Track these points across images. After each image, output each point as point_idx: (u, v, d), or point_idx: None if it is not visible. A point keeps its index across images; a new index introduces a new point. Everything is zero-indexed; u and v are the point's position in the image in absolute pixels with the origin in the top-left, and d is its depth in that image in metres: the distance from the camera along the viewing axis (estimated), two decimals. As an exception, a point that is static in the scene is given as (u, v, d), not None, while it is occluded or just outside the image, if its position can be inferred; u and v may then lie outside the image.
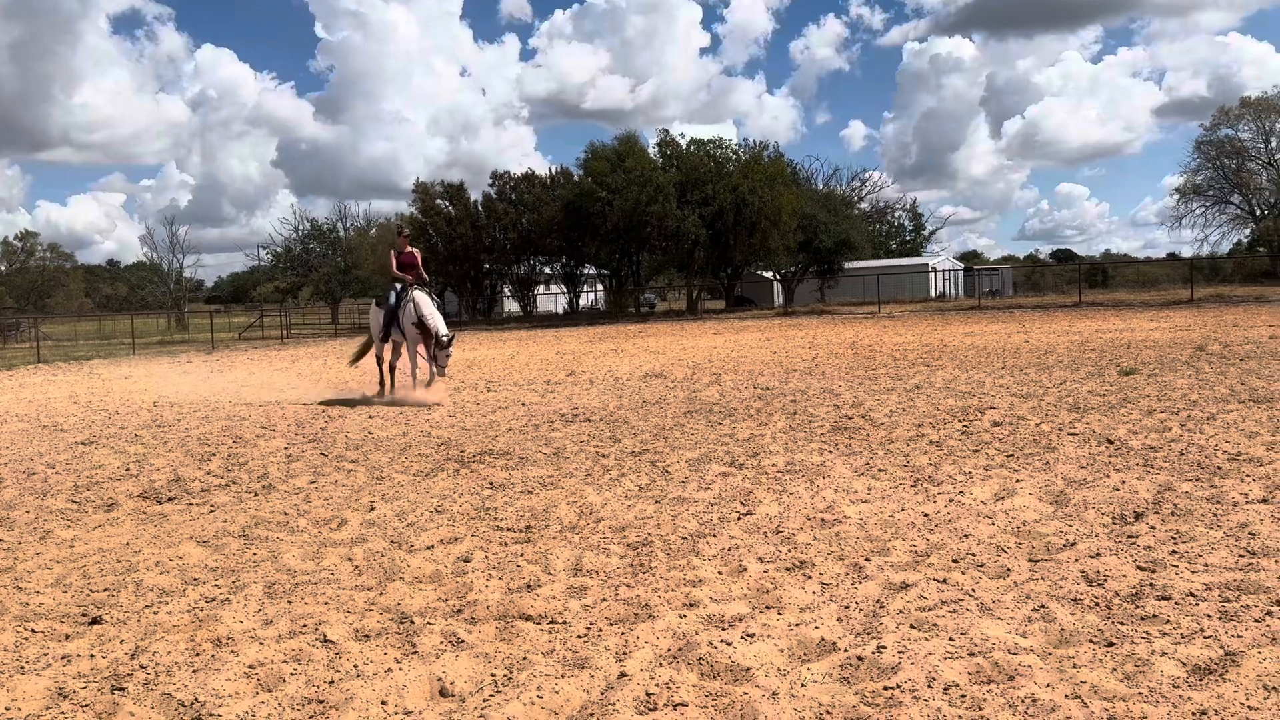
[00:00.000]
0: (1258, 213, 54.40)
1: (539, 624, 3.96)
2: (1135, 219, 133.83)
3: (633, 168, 43.63)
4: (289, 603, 4.37)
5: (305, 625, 4.05)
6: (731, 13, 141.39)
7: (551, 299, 56.31)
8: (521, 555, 4.94)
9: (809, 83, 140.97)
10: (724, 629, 3.79)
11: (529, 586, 4.43)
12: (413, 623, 4.03)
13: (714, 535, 5.17)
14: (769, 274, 55.61)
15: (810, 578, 4.37)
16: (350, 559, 5.04)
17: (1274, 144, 54.28)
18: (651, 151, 47.09)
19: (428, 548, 5.19)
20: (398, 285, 13.37)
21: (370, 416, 11.14)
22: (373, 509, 6.21)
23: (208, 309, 68.50)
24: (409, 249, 13.68)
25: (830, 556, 4.68)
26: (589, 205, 43.59)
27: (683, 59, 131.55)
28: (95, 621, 4.20)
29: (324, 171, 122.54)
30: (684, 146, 46.58)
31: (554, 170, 51.28)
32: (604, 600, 4.19)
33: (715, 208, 43.76)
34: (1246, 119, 54.53)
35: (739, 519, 5.52)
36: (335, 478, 7.37)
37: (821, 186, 62.74)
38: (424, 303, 12.92)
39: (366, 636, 3.91)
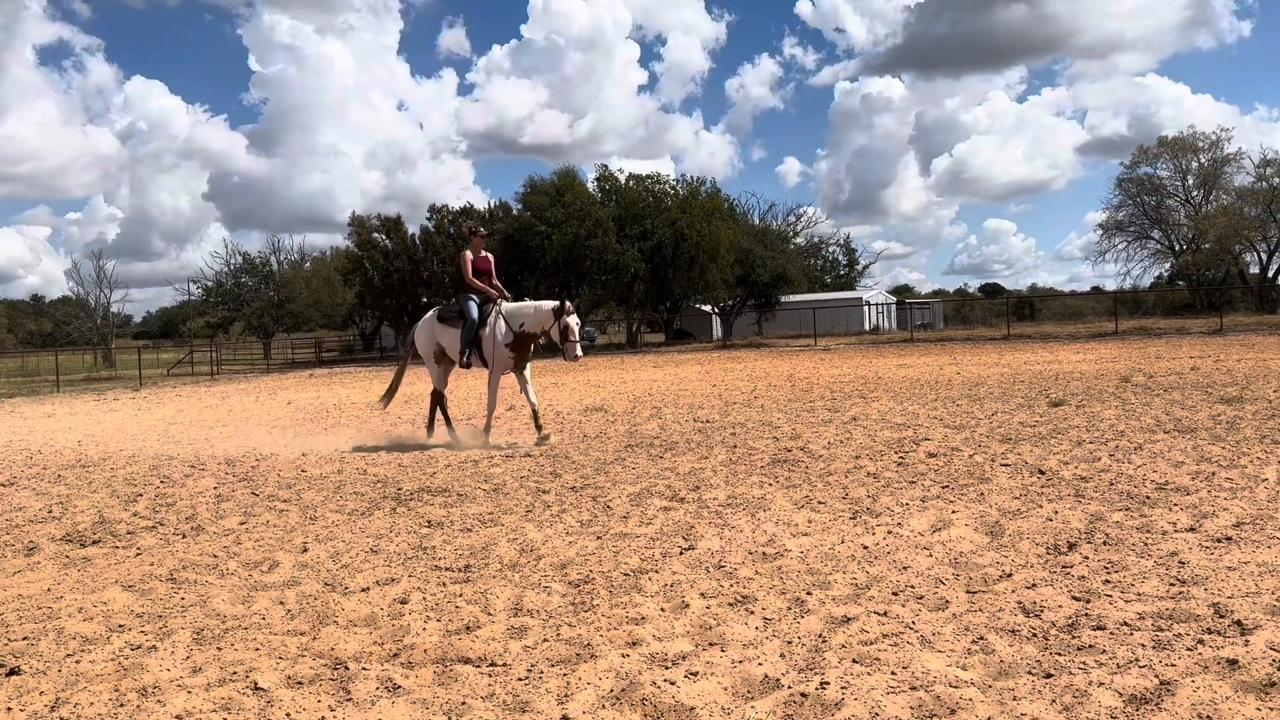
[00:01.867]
0: (1177, 248, 56.38)
1: (478, 667, 3.87)
2: (1060, 254, 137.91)
3: (572, 202, 43.79)
4: (218, 649, 4.21)
5: (235, 672, 3.91)
6: (668, 51, 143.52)
7: (490, 333, 55.79)
8: (460, 595, 4.85)
9: (745, 120, 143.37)
10: (667, 667, 3.75)
11: (468, 628, 4.33)
12: (347, 668, 3.91)
13: (656, 571, 5.13)
14: (708, 307, 56.04)
15: (753, 613, 4.35)
16: (282, 602, 4.89)
17: (1191, 182, 56.45)
18: (591, 186, 47.37)
19: (363, 589, 5.06)
20: (473, 297, 11.13)
21: (303, 454, 10.90)
22: (306, 550, 6.05)
23: (136, 345, 66.70)
24: (485, 253, 11.48)
25: (772, 591, 4.67)
26: (528, 239, 43.56)
27: (621, 95, 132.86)
28: (13, 673, 4.00)
29: (257, 205, 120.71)
30: (623, 181, 46.94)
31: (493, 204, 51.27)
32: (545, 640, 4.12)
33: (654, 242, 44.05)
34: (1164, 158, 56.64)
35: (681, 554, 5.49)
36: (267, 518, 7.18)
37: (758, 221, 63.53)
38: (539, 318, 10.65)
39: (299, 683, 3.78)
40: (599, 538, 5.99)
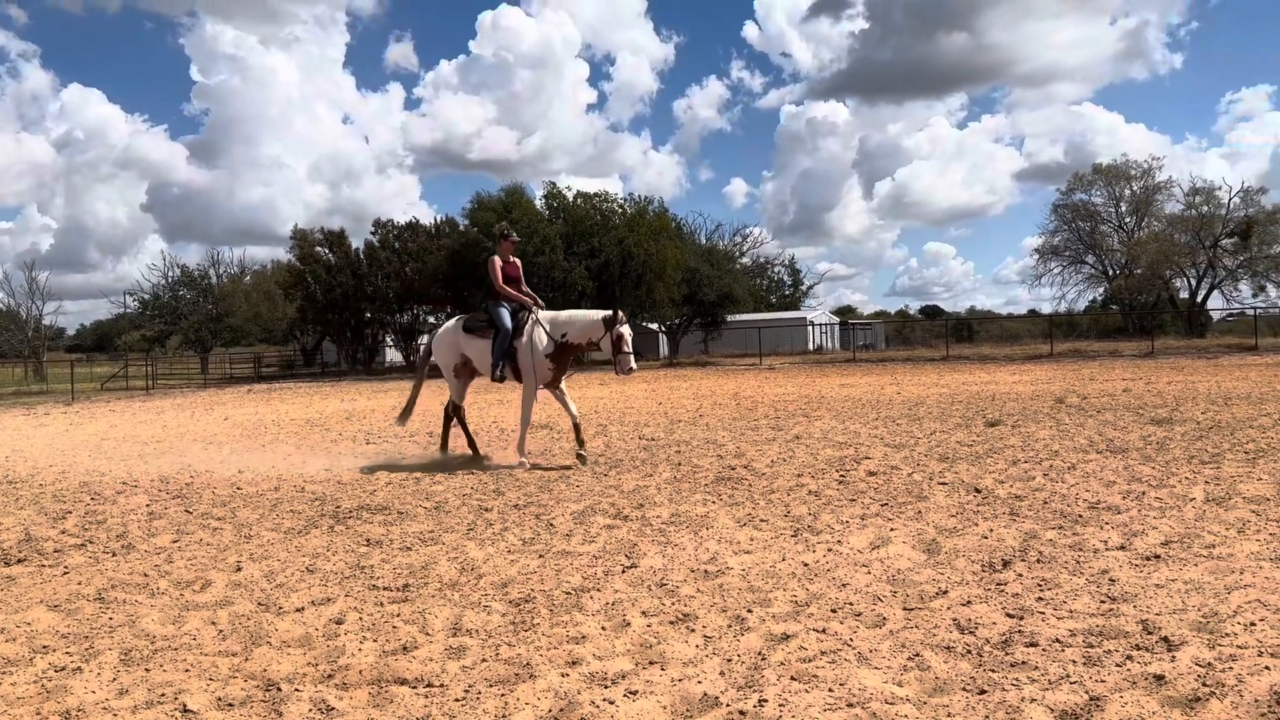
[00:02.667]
0: (1110, 272, 57.95)
1: (414, 688, 3.81)
2: (998, 277, 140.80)
3: (519, 219, 43.67)
4: (146, 670, 4.10)
5: (164, 694, 3.80)
6: (617, 71, 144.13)
7: (436, 349, 55.38)
8: (398, 615, 4.77)
9: (692, 141, 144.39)
10: (606, 686, 3.73)
11: (405, 648, 4.27)
12: (279, 690, 3.83)
13: (598, 589, 5.11)
14: (654, 326, 56.20)
15: (693, 631, 4.35)
16: (214, 622, 4.78)
17: (1124, 208, 58.12)
18: (538, 203, 47.31)
19: (298, 609, 4.96)
20: (505, 305, 10.45)
21: (240, 471, 10.67)
22: (240, 569, 5.92)
23: (69, 358, 64.84)
24: (513, 258, 10.77)
25: (713, 608, 4.67)
26: (475, 255, 43.26)
27: (569, 114, 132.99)
28: (-77, 698, 3.85)
29: (197, 216, 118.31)
30: (571, 199, 46.94)
31: (439, 219, 50.98)
32: (484, 660, 4.07)
33: (601, 260, 44.10)
34: (1099, 185, 58.30)
35: (623, 572, 5.47)
36: (200, 536, 7.01)
37: (705, 241, 63.94)
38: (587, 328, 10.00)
39: (230, 705, 3.69)
40: (541, 556, 5.95)
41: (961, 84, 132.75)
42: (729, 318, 52.89)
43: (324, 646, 4.34)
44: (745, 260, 71.37)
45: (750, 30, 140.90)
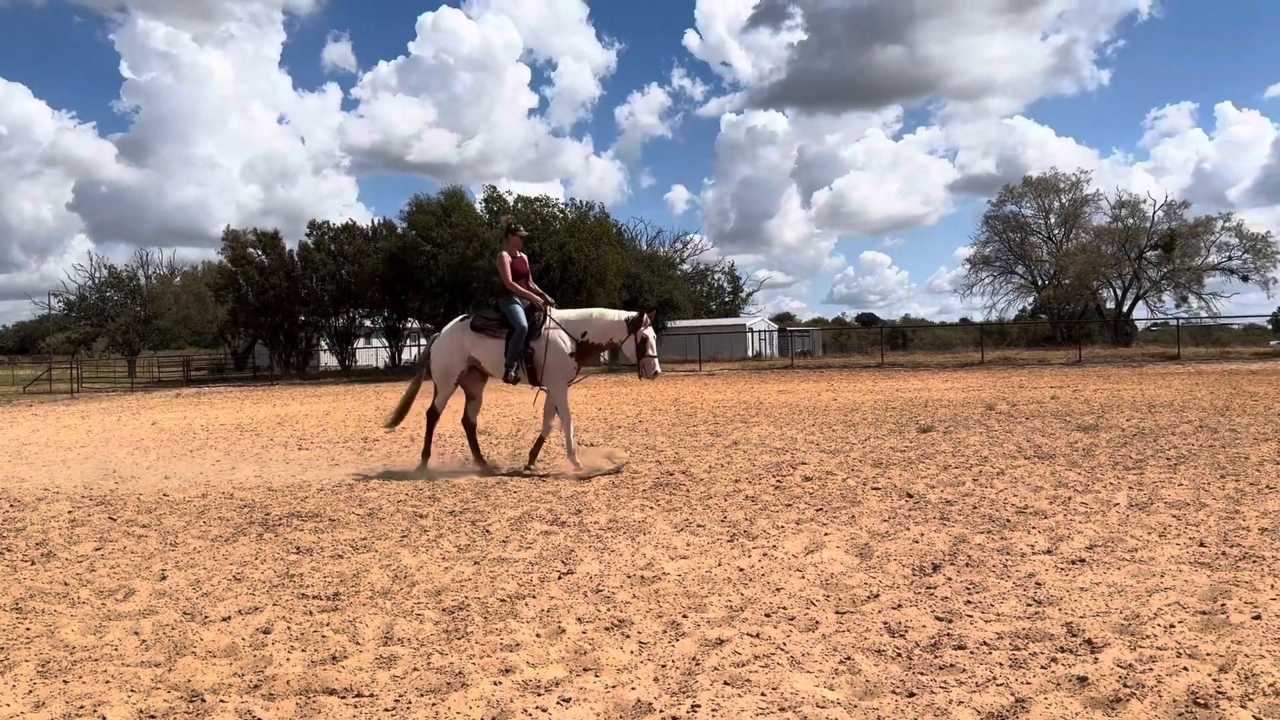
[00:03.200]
0: (1039, 283, 59.47)
1: (343, 698, 3.74)
2: (932, 286, 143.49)
3: (459, 222, 43.37)
4: (65, 682, 3.96)
5: (82, 707, 3.68)
6: (559, 76, 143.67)
7: (372, 353, 54.70)
8: (328, 624, 4.68)
9: (634, 147, 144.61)
10: (539, 694, 3.70)
11: (334, 658, 4.19)
12: (203, 701, 3.73)
13: (533, 596, 5.08)
14: (594, 331, 55.87)
15: (629, 637, 4.34)
16: (137, 632, 4.64)
17: (1053, 220, 59.73)
18: (478, 207, 47.03)
19: (224, 619, 4.84)
20: (518, 302, 10.01)
21: (166, 478, 10.40)
22: (164, 578, 5.76)
23: (-13, 360, 62.62)
24: (520, 253, 10.27)
25: (649, 614, 4.67)
26: (413, 258, 42.90)
27: (511, 117, 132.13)
28: None
29: (126, 216, 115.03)
30: (511, 203, 46.75)
31: (376, 222, 50.29)
32: (415, 670, 4.02)
33: (542, 265, 43.89)
34: (1029, 197, 59.86)
35: (560, 578, 5.45)
36: (124, 544, 6.81)
37: (646, 247, 64.20)
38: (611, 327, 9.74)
39: (151, 717, 3.58)
40: (476, 563, 5.90)
41: (897, 96, 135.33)
42: (669, 324, 53.06)
43: (250, 656, 4.24)
44: (686, 267, 71.80)
45: (691, 39, 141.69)
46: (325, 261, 47.81)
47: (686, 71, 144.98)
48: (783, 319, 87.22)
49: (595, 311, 10.17)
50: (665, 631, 4.41)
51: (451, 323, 10.73)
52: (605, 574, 5.51)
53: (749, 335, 58.19)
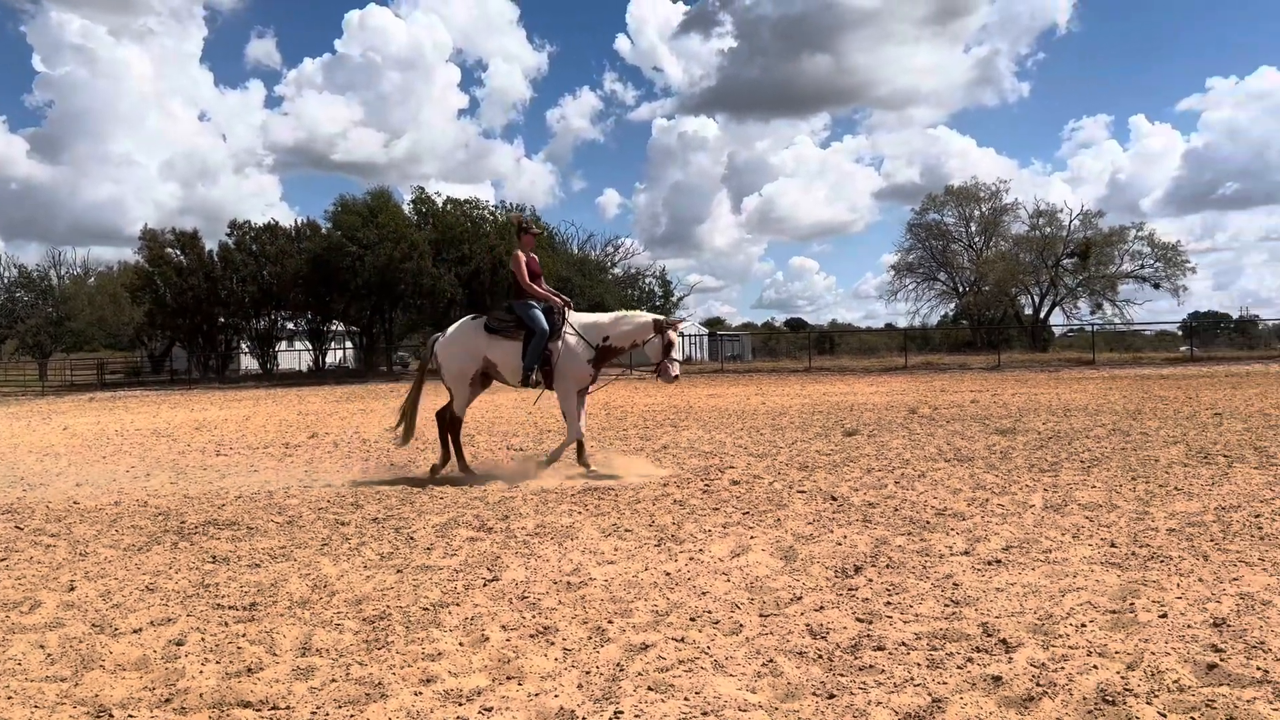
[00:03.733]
0: (960, 289, 60.96)
1: (259, 711, 3.65)
2: (858, 292, 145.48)
3: (386, 223, 42.81)
4: (-42, 703, 3.79)
5: (-24, 729, 3.53)
6: (490, 78, 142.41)
7: (295, 356, 53.56)
8: (244, 635, 4.56)
9: (565, 150, 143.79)
10: (461, 704, 3.66)
11: (250, 670, 4.08)
12: (111, 716, 3.60)
13: (457, 604, 5.02)
14: (524, 335, 55.58)
15: (553, 644, 4.32)
16: (43, 645, 4.46)
17: (973, 229, 61.28)
18: (406, 208, 46.49)
19: (135, 631, 4.69)
20: (535, 304, 9.76)
21: (77, 485, 10.04)
22: (73, 588, 5.55)
23: (-116, 362, 59.78)
24: (532, 253, 10.06)
25: (574, 620, 4.66)
26: (338, 260, 42.20)
27: (440, 118, 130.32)
28: None
29: (38, 214, 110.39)
30: (440, 205, 46.29)
31: (300, 222, 49.27)
32: (333, 681, 3.94)
33: (471, 267, 43.67)
34: (950, 205, 61.31)
35: (485, 586, 5.39)
36: (31, 554, 6.55)
37: (577, 251, 64.04)
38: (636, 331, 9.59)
39: (53, 738, 3.45)
40: (399, 571, 5.81)
41: (825, 104, 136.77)
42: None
43: (162, 669, 4.11)
44: (617, 271, 71.70)
45: (623, 43, 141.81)
46: (246, 262, 46.70)
47: (618, 75, 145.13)
48: (713, 323, 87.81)
49: (623, 314, 10.03)
50: (590, 638, 4.39)
51: (459, 324, 10.35)
52: (531, 580, 5.47)
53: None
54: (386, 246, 41.60)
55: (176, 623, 4.81)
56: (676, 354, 9.66)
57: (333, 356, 53.05)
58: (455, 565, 5.91)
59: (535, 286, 9.81)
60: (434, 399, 10.94)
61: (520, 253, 9.91)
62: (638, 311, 10.09)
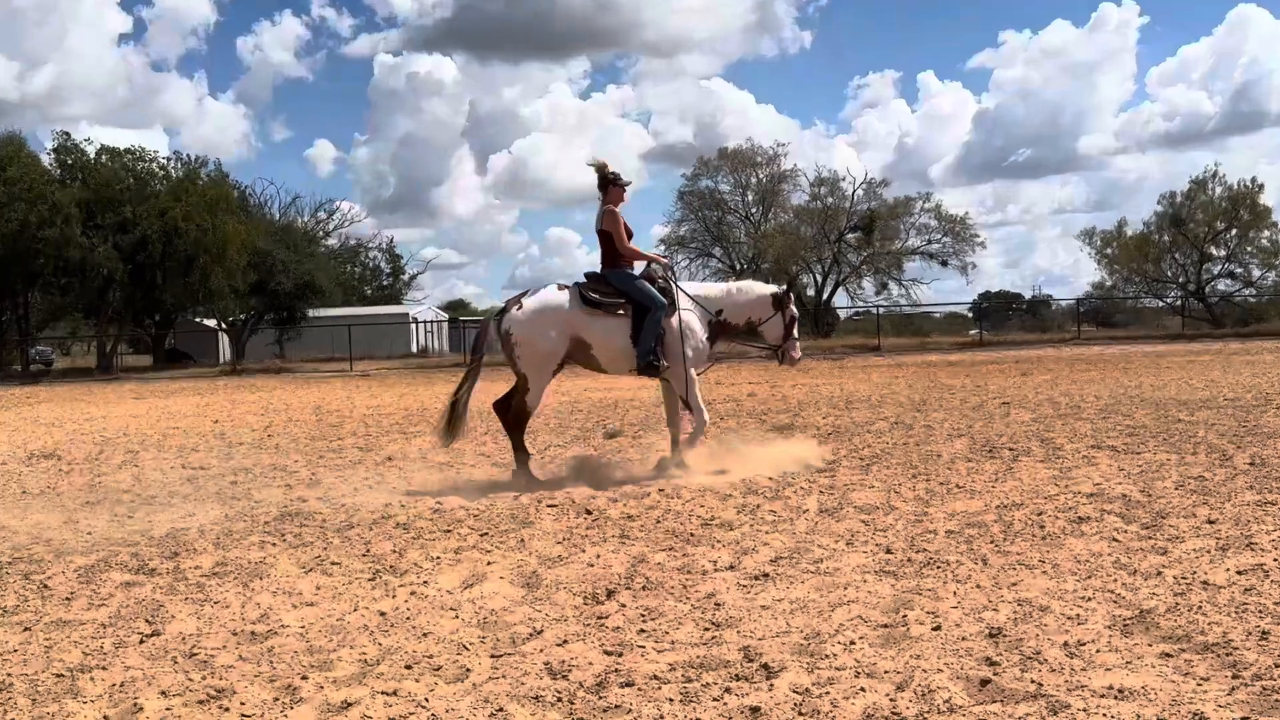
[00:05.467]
0: (738, 267, 63.60)
1: None
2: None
3: (17, 179, 39.51)
4: None
5: None
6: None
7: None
8: None
9: (263, 89, 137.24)
10: (102, 795, 3.43)
11: None
12: None
13: (104, 668, 4.71)
14: (212, 322, 53.28)
15: (227, 710, 4.13)
16: None
17: (750, 198, 64.06)
18: (46, 159, 43.19)
19: None
20: (636, 274, 9.79)
21: None
22: None
23: None
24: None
25: (258, 679, 4.48)
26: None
27: (93, 44, 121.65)
28: None
29: None
30: (93, 156, 43.32)
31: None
32: (-76, 779, 3.59)
33: (137, 236, 41.11)
34: (725, 170, 63.80)
35: (141, 642, 5.10)
36: None
37: (279, 217, 61.73)
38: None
39: None
40: (27, 629, 5.39)
41: (584, 47, 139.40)
42: (310, 313, 51.49)
43: None
44: (332, 242, 69.97)
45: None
46: None
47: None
48: (456, 307, 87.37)
49: (737, 285, 10.37)
50: (277, 699, 4.24)
51: (539, 296, 9.90)
52: (204, 633, 5.22)
53: (414, 326, 57.76)
54: (19, 208, 38.43)
55: None
56: (798, 332, 10.18)
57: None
58: (103, 619, 5.55)
59: (636, 250, 9.91)
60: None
61: (617, 211, 9.78)
62: (751, 281, 10.47)
